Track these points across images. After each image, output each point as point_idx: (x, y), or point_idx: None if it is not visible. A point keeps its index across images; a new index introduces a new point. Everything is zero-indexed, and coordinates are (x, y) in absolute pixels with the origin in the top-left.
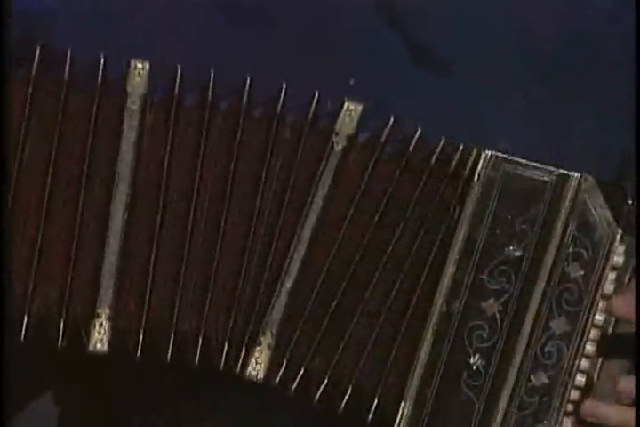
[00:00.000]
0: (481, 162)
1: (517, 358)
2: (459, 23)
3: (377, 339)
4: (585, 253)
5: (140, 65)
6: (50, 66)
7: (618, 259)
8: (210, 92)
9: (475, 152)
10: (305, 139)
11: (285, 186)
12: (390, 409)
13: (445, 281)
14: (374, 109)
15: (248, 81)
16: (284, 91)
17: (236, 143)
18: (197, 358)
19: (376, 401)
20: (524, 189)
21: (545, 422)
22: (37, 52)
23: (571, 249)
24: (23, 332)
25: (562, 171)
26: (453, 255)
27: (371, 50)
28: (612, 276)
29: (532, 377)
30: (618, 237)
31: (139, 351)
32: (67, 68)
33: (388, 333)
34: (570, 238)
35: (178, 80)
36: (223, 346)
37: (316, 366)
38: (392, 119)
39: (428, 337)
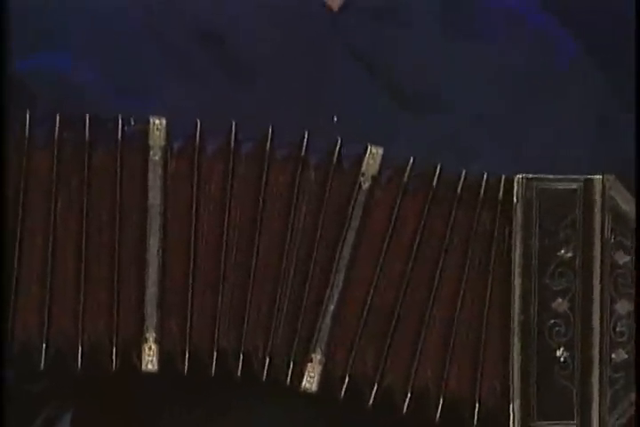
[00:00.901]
0: (516, 185)
1: (596, 343)
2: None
3: (455, 351)
4: (625, 241)
5: (157, 121)
6: (70, 124)
7: None
8: (233, 139)
9: (503, 177)
10: (331, 180)
11: (316, 223)
12: (495, 412)
13: (516, 292)
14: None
15: (270, 128)
16: (306, 135)
17: (262, 183)
18: (240, 372)
19: (477, 406)
20: (558, 199)
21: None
22: (58, 116)
23: (613, 240)
24: (79, 360)
25: (585, 176)
26: (516, 269)
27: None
28: None
29: (612, 356)
30: None
31: (185, 369)
32: (87, 128)
33: (465, 344)
34: (609, 232)
35: (198, 132)
36: (265, 361)
37: (394, 382)
38: (412, 159)
39: (516, 342)
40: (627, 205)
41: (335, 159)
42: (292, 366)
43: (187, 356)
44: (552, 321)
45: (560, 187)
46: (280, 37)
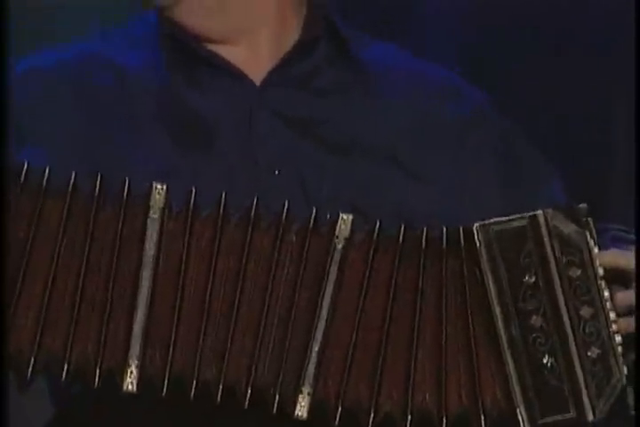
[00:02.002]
0: (475, 231)
1: (572, 345)
2: None
3: (449, 368)
4: (574, 258)
5: (159, 186)
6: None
7: (595, 250)
8: (222, 207)
9: (461, 228)
10: (309, 241)
11: (296, 277)
12: (502, 420)
13: (498, 318)
14: None
15: (255, 199)
16: (286, 207)
17: (247, 241)
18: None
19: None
20: (512, 236)
21: (614, 377)
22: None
23: (564, 260)
24: (64, 377)
25: (530, 214)
26: (493, 299)
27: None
28: (597, 263)
29: (588, 353)
30: (588, 236)
31: (163, 392)
32: (97, 189)
33: (457, 366)
34: (560, 254)
35: (193, 199)
36: (247, 393)
37: (394, 408)
38: (379, 222)
39: (509, 358)
40: (568, 229)
41: (312, 225)
42: (277, 397)
43: (165, 382)
44: (533, 335)
45: (511, 226)
46: None
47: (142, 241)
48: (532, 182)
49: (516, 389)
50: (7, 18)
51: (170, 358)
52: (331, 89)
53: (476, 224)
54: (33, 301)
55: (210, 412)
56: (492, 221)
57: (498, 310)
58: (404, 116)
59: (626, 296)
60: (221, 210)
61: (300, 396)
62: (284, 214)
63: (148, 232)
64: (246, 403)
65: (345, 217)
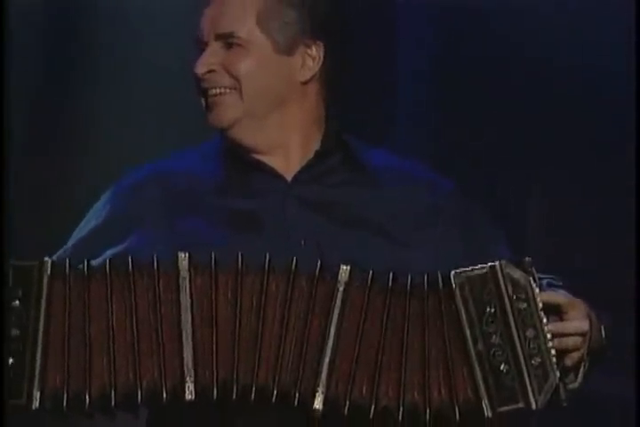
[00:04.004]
0: (452, 277)
1: (521, 356)
2: None
3: (431, 374)
4: (522, 295)
5: (182, 255)
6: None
7: (537, 290)
8: (240, 265)
9: (440, 274)
10: (317, 285)
11: (307, 310)
12: (472, 409)
13: (469, 338)
14: None
15: (268, 257)
16: (294, 262)
17: (263, 288)
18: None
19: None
20: (478, 280)
21: (550, 378)
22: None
23: (515, 296)
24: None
25: (489, 264)
26: (465, 324)
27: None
28: (538, 299)
29: (532, 362)
30: (531, 280)
31: (214, 397)
32: (130, 264)
33: (438, 371)
34: (511, 292)
35: (214, 259)
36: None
37: (390, 403)
38: (372, 271)
39: (477, 366)
40: (517, 274)
41: (318, 274)
42: (298, 395)
43: (215, 389)
44: (493, 349)
45: (477, 273)
46: None
47: (178, 292)
48: (487, 244)
49: (482, 387)
50: (7, 18)
51: (215, 374)
52: (341, 183)
53: (452, 272)
54: (104, 347)
55: (247, 409)
56: (463, 269)
57: (468, 332)
58: (393, 202)
59: (558, 326)
60: (240, 265)
61: (317, 394)
62: (294, 266)
63: (182, 290)
64: (274, 399)
65: (344, 267)
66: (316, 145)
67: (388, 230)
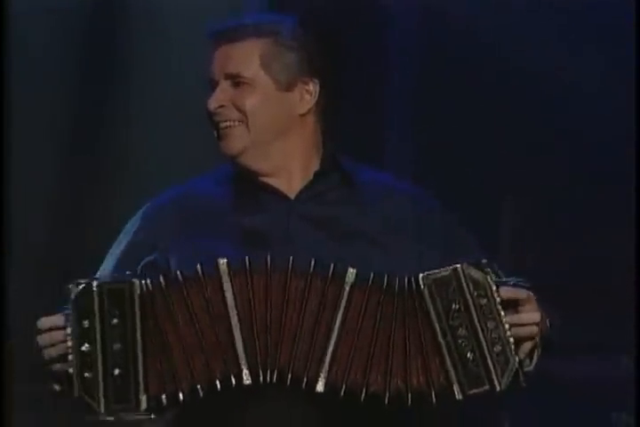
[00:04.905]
0: (421, 279)
1: (484, 345)
2: None
3: (411, 363)
4: (482, 292)
5: (222, 261)
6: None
7: (494, 287)
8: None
9: (414, 278)
10: (329, 286)
11: (319, 306)
12: (445, 393)
13: (438, 330)
14: None
15: (291, 260)
16: (312, 264)
17: (286, 286)
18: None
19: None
20: (443, 281)
21: (510, 363)
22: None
23: (475, 293)
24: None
25: (453, 267)
26: (434, 318)
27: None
28: (496, 295)
29: (494, 349)
30: (489, 278)
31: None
32: (179, 274)
33: (417, 361)
34: (473, 289)
35: (249, 266)
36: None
37: (378, 388)
38: (372, 274)
39: (446, 353)
40: (477, 274)
41: (331, 275)
42: (305, 379)
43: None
44: (460, 340)
45: (442, 274)
46: None
47: (224, 298)
48: (462, 251)
49: (452, 374)
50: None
51: (261, 359)
52: (338, 201)
53: (420, 274)
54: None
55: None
56: (431, 272)
57: (437, 326)
58: (381, 216)
59: (514, 318)
60: (269, 269)
61: (319, 378)
62: (312, 268)
63: (225, 289)
64: (288, 382)
65: (352, 270)
66: (315, 167)
67: (374, 240)
